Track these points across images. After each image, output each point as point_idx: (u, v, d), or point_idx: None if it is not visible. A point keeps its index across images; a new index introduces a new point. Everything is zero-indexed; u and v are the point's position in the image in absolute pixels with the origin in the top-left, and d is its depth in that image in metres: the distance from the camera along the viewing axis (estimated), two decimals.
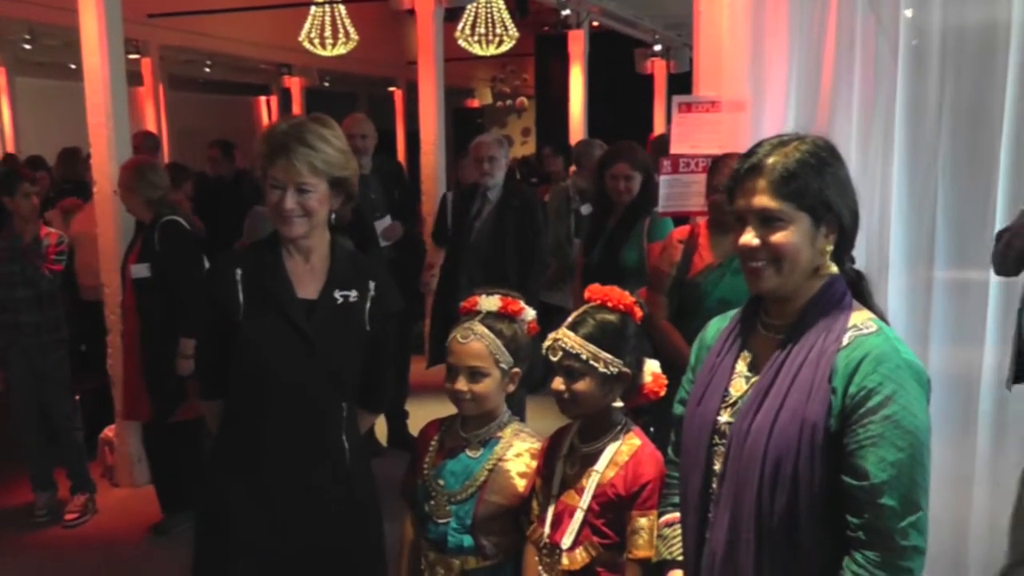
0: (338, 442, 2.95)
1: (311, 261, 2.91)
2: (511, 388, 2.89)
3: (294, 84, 16.07)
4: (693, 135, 4.62)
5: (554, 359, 2.63)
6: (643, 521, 2.56)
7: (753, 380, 2.21)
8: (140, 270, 5.36)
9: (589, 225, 5.93)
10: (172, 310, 5.28)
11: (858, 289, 2.22)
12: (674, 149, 4.68)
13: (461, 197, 6.78)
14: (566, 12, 11.96)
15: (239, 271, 2.83)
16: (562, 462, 2.73)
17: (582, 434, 2.73)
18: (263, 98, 17.36)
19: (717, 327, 2.45)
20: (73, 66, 11.47)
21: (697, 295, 4.07)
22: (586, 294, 2.75)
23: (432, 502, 2.86)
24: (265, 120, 17.27)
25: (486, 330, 2.81)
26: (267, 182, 2.79)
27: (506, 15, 12.19)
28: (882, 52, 4.52)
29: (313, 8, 11.73)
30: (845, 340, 2.10)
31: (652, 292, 4.16)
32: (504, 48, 12.37)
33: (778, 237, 2.11)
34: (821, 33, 4.62)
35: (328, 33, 11.83)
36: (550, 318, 3.39)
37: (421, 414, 7.13)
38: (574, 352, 2.60)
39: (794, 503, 2.05)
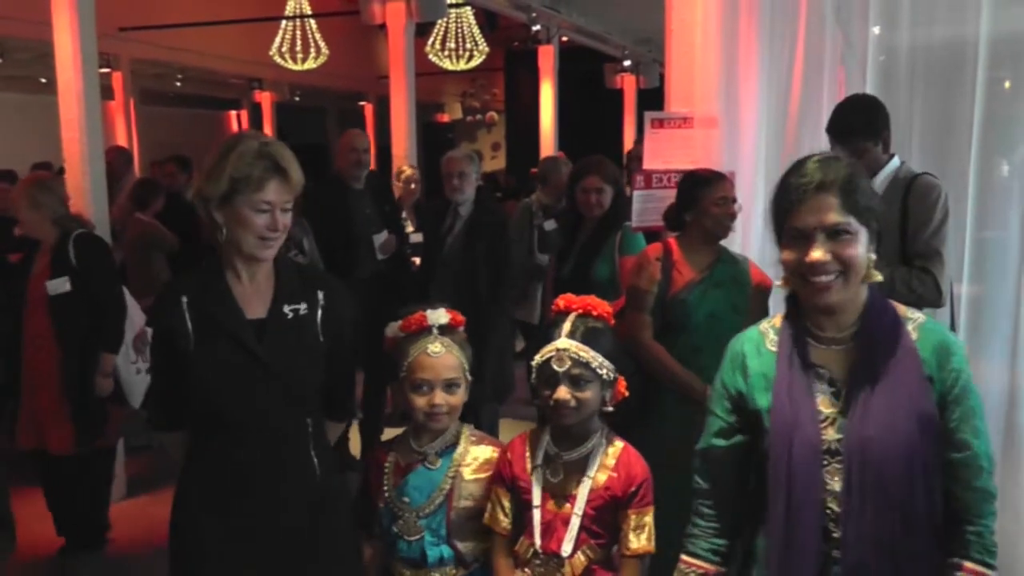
0: (307, 459, 2.90)
1: (257, 279, 2.86)
2: (466, 398, 2.88)
3: (264, 99, 16.05)
4: (665, 151, 4.66)
5: (560, 369, 2.64)
6: (640, 518, 2.67)
7: (843, 394, 2.30)
8: (59, 285, 4.97)
9: (560, 239, 5.96)
10: (93, 327, 5.05)
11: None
12: (647, 165, 4.72)
13: (432, 212, 6.82)
14: (536, 27, 12.01)
15: (184, 298, 2.78)
16: (540, 472, 2.74)
17: (559, 442, 2.75)
18: (234, 112, 17.32)
19: (755, 351, 2.50)
20: (44, 80, 11.42)
21: (684, 311, 4.09)
22: (561, 303, 2.78)
23: (400, 521, 2.84)
24: None
25: (452, 342, 2.82)
26: (247, 205, 2.73)
27: (476, 30, 12.27)
28: (851, 69, 4.60)
29: (284, 22, 11.74)
30: (913, 334, 2.30)
31: (634, 312, 4.18)
32: (474, 63, 12.45)
33: (849, 251, 2.23)
34: (791, 50, 4.69)
35: (299, 47, 11.85)
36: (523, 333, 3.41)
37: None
38: (583, 360, 2.64)
39: (932, 491, 2.22)
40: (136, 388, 5.34)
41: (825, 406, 2.29)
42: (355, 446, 6.94)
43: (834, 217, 2.21)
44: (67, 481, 5.19)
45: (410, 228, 7.35)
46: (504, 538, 2.79)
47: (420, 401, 2.81)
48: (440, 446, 2.88)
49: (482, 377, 5.76)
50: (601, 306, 2.76)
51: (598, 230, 5.43)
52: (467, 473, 2.86)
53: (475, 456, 2.88)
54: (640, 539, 2.66)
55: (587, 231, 5.50)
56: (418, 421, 2.85)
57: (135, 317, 5.35)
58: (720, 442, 2.50)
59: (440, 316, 2.83)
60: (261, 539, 2.82)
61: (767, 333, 2.49)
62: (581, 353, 2.64)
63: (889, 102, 4.19)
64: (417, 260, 6.91)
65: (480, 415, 6.24)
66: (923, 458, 2.19)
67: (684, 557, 2.52)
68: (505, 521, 2.78)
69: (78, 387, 5.04)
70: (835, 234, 2.22)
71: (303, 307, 2.88)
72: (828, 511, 2.26)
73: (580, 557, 2.66)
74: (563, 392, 2.65)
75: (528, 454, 2.78)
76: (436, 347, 2.80)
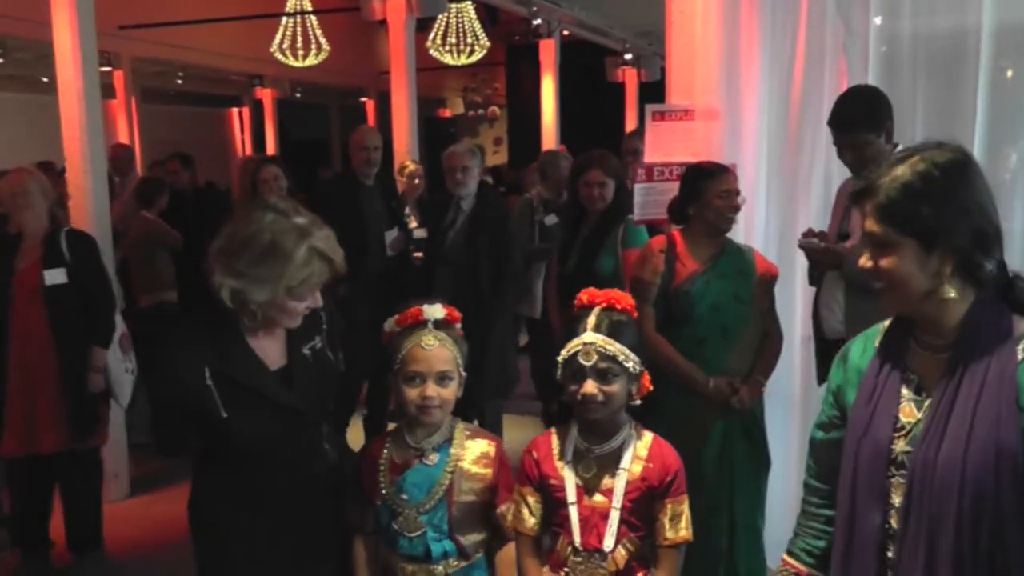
0: (322, 451, 2.98)
1: (271, 326, 2.88)
2: (459, 393, 2.88)
3: (266, 95, 16.02)
4: (667, 144, 4.64)
5: (587, 363, 2.63)
6: (677, 507, 2.68)
7: (926, 404, 2.08)
8: (56, 275, 4.94)
9: (563, 234, 5.95)
10: (85, 319, 5.04)
11: (1018, 296, 2.05)
12: (648, 158, 4.70)
13: (434, 207, 6.84)
14: (537, 22, 11.99)
15: (207, 370, 2.73)
16: (572, 468, 2.73)
17: (588, 437, 2.74)
18: (235, 110, 17.30)
19: (862, 346, 2.29)
20: (45, 79, 11.41)
21: (687, 302, 4.10)
22: (584, 297, 2.77)
23: (400, 518, 2.83)
24: (237, 132, 17.20)
25: (446, 336, 2.82)
26: (294, 299, 2.77)
27: (477, 25, 12.24)
28: (852, 59, 4.58)
29: (284, 19, 11.72)
30: (1020, 354, 1.98)
31: (637, 303, 4.18)
32: (475, 58, 12.42)
33: (885, 263, 2.05)
34: (792, 41, 4.68)
35: (300, 44, 11.83)
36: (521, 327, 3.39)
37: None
38: (610, 354, 2.63)
39: (999, 539, 1.93)
40: (125, 387, 5.32)
41: (906, 414, 2.10)
42: (355, 441, 6.91)
43: (871, 225, 2.07)
44: (70, 481, 5.18)
45: (413, 224, 7.33)
46: (530, 538, 2.79)
47: (412, 393, 2.80)
48: (437, 441, 2.87)
49: (485, 373, 5.79)
50: (624, 299, 2.76)
51: (601, 224, 5.42)
52: (465, 467, 2.85)
53: (472, 450, 2.88)
54: (678, 528, 2.68)
55: (589, 225, 5.49)
56: (410, 414, 2.84)
57: (118, 319, 5.35)
58: (820, 434, 2.37)
59: (436, 311, 2.83)
60: (284, 537, 2.88)
61: (881, 330, 2.27)
62: (608, 347, 2.63)
63: (892, 92, 4.17)
64: (418, 255, 6.92)
65: (484, 410, 6.25)
66: (995, 499, 1.92)
67: (784, 555, 2.43)
68: (532, 521, 2.78)
69: (75, 383, 5.00)
70: (876, 244, 2.07)
71: (317, 341, 2.96)
72: (887, 526, 2.11)
73: (621, 551, 2.66)
74: (590, 386, 2.64)
75: (556, 451, 2.78)
76: (430, 340, 2.79)
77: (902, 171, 2.02)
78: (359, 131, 6.91)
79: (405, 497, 2.83)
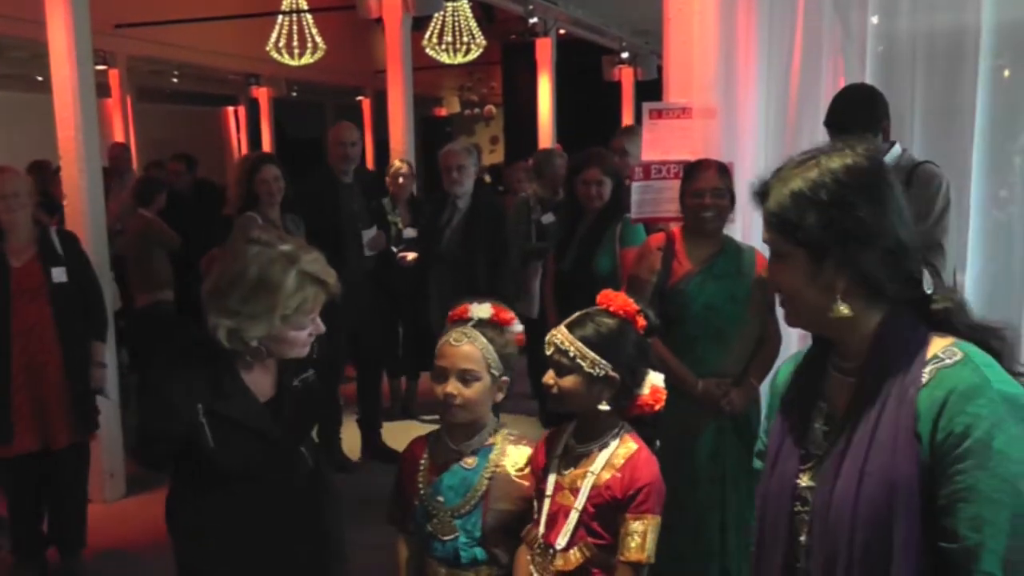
0: (300, 466, 3.01)
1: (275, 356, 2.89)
2: (499, 397, 2.83)
3: (262, 94, 15.99)
4: (664, 142, 4.63)
5: (547, 353, 2.65)
6: (636, 524, 2.56)
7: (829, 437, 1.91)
8: (60, 274, 5.00)
9: (560, 232, 5.94)
10: (85, 315, 5.12)
11: (942, 315, 1.85)
12: (645, 156, 4.70)
13: (430, 206, 6.83)
14: (533, 20, 11.99)
15: (200, 406, 2.73)
16: (557, 462, 2.72)
17: (578, 435, 2.72)
18: (231, 109, 17.28)
19: (789, 368, 2.11)
20: (40, 78, 11.38)
21: (682, 302, 4.09)
22: (598, 299, 2.74)
23: (435, 520, 2.80)
24: (233, 131, 17.19)
25: (479, 334, 2.77)
26: (293, 328, 2.78)
27: (473, 23, 12.22)
28: (850, 58, 4.57)
29: (280, 17, 11.70)
30: (925, 376, 1.76)
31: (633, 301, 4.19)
32: (471, 56, 12.39)
33: (776, 273, 1.90)
34: (790, 39, 4.67)
35: (295, 43, 11.80)
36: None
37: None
38: (563, 348, 2.61)
39: None
40: (112, 382, 5.46)
41: (816, 445, 1.93)
42: (350, 445, 6.92)
43: (764, 232, 1.91)
44: (69, 476, 5.19)
45: (402, 224, 7.31)
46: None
47: (437, 389, 2.78)
48: (476, 444, 2.83)
49: None
50: (624, 304, 2.71)
51: (598, 222, 5.41)
52: (504, 474, 2.80)
53: (512, 457, 2.82)
54: (630, 547, 2.56)
55: (587, 223, 5.48)
56: (439, 410, 2.84)
57: None
58: (757, 463, 2.25)
59: (483, 310, 2.81)
60: (264, 542, 2.87)
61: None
62: (564, 342, 2.62)
63: (889, 91, 4.16)
64: (409, 256, 6.90)
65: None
66: (887, 540, 1.73)
67: None
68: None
69: (79, 378, 5.07)
70: (772, 252, 1.91)
71: (310, 373, 2.99)
72: (797, 563, 1.93)
73: (575, 553, 2.61)
74: (548, 376, 2.66)
75: (552, 444, 2.78)
76: (457, 336, 2.77)
77: (794, 176, 1.84)
78: (336, 127, 6.90)
79: (441, 499, 2.80)
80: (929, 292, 1.84)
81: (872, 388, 1.81)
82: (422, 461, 2.88)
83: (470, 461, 2.81)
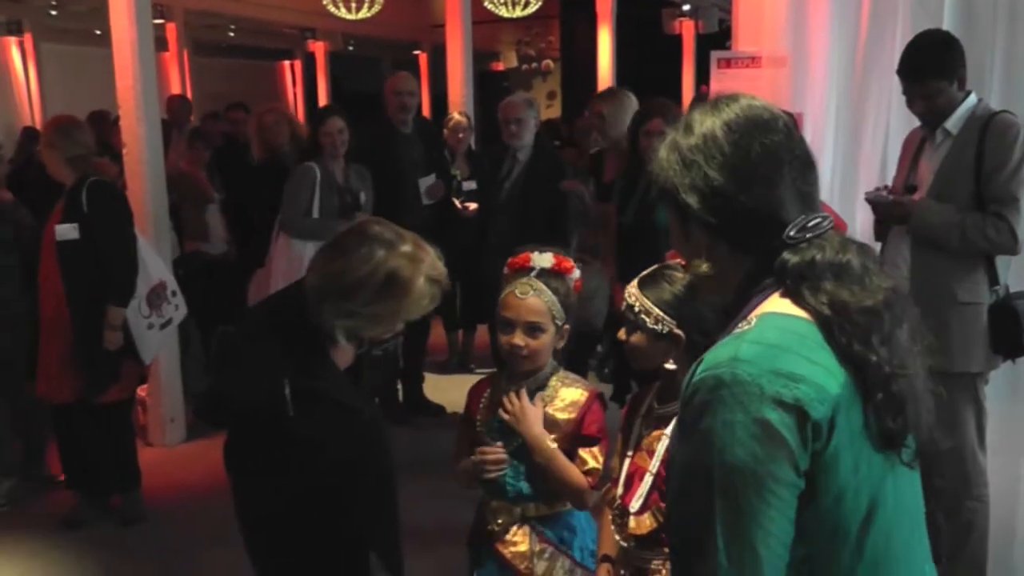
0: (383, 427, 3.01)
1: None
2: (560, 344, 2.90)
3: (318, 48, 15.99)
4: (732, 91, 4.53)
5: (622, 309, 2.60)
6: None
7: None
8: (67, 231, 4.98)
9: (622, 185, 5.85)
10: (101, 276, 5.04)
11: (792, 271, 1.63)
12: None
13: (490, 158, 6.78)
14: None
15: (285, 380, 2.70)
16: (640, 422, 2.67)
17: (659, 395, 2.65)
18: (287, 63, 17.28)
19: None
20: (98, 32, 11.43)
21: None
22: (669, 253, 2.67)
23: None
24: (290, 86, 17.20)
25: (544, 286, 2.83)
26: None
27: None
28: (926, 3, 4.42)
29: None
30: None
31: None
32: (530, 10, 12.29)
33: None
34: None
35: None
36: None
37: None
38: (631, 303, 2.55)
39: None
40: (149, 343, 5.31)
41: None
42: None
43: None
44: (79, 431, 5.24)
45: (461, 176, 7.25)
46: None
47: (503, 339, 2.87)
48: (532, 386, 2.91)
49: None
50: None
51: None
52: (551, 413, 2.89)
53: (563, 397, 2.91)
54: None
55: (649, 176, 5.37)
56: (504, 359, 2.92)
57: (152, 270, 5.32)
58: None
59: (544, 259, 2.88)
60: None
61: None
62: (631, 297, 2.56)
63: (967, 37, 4.02)
64: (471, 206, 6.85)
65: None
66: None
67: None
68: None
69: (85, 338, 5.03)
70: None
71: (391, 342, 2.96)
72: None
73: (648, 517, 2.55)
74: (621, 332, 2.62)
75: (638, 403, 2.75)
76: (523, 288, 2.84)
77: (668, 136, 1.79)
78: (394, 77, 6.89)
79: (493, 435, 2.93)
80: (792, 242, 1.64)
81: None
82: (483, 400, 3.01)
83: None
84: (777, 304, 1.62)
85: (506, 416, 2.87)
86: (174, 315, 5.46)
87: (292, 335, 2.73)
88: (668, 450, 2.49)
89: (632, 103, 5.91)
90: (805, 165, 1.71)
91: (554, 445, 2.83)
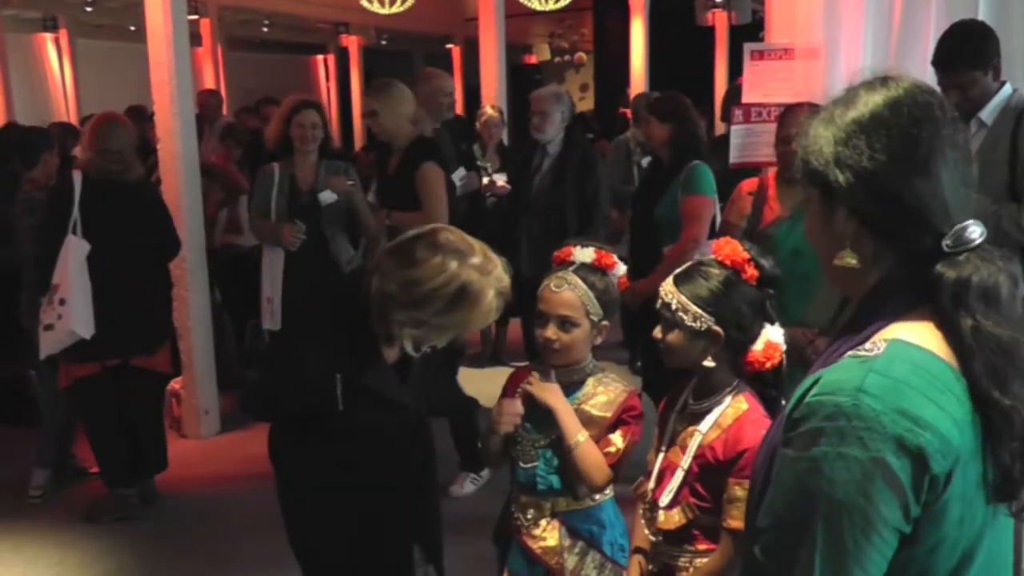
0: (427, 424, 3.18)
1: None
2: (598, 340, 2.88)
3: (351, 43, 16.03)
4: (765, 83, 4.52)
5: (657, 306, 2.56)
6: (738, 491, 2.39)
7: None
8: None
9: (644, 178, 5.89)
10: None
11: (941, 287, 1.47)
12: (746, 98, 4.60)
13: (521, 152, 6.79)
14: None
15: (339, 378, 2.76)
16: (675, 417, 2.66)
17: (696, 392, 2.62)
18: (320, 57, 17.35)
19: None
20: (133, 28, 11.53)
21: (768, 246, 3.98)
22: (712, 247, 2.62)
23: (519, 447, 2.91)
24: (323, 80, 17.25)
25: (579, 281, 2.81)
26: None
27: None
28: None
29: None
30: (849, 356, 1.49)
31: None
32: (563, 3, 12.27)
33: (807, 216, 1.67)
34: None
35: None
36: None
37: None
38: (667, 301, 2.51)
39: None
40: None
41: None
42: None
43: None
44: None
45: (492, 169, 7.27)
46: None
47: (537, 331, 2.86)
48: (568, 381, 2.89)
49: None
50: (732, 254, 2.51)
51: (671, 168, 5.26)
52: (587, 410, 2.86)
53: (600, 396, 2.89)
54: (732, 514, 2.40)
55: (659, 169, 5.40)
56: (539, 351, 2.92)
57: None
58: None
59: (585, 254, 2.86)
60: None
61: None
62: (668, 294, 2.52)
63: (1001, 26, 3.98)
64: (500, 181, 6.96)
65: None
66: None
67: None
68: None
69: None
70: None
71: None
72: None
73: (677, 513, 2.52)
74: (656, 331, 2.58)
75: (674, 399, 2.73)
76: (558, 282, 2.82)
77: (824, 111, 1.59)
78: (435, 76, 6.84)
79: (527, 427, 2.90)
80: (950, 251, 1.47)
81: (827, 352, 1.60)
82: (520, 388, 2.95)
83: None
84: (910, 331, 1.48)
85: (528, 387, 2.87)
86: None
87: (354, 337, 2.79)
88: (700, 446, 2.51)
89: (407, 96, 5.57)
90: (968, 162, 1.55)
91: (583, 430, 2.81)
